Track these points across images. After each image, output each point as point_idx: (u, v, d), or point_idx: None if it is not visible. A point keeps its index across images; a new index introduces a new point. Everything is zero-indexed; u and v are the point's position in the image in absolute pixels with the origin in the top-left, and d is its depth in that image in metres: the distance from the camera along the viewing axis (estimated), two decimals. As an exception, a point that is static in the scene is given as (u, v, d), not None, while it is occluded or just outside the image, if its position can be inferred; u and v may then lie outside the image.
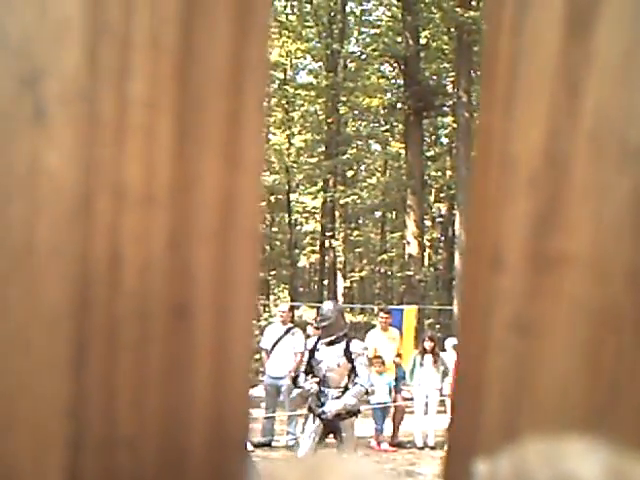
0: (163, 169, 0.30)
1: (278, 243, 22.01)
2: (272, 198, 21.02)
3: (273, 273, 21.89)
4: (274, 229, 22.00)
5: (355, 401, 5.08)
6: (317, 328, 5.29)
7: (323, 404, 5.04)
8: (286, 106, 20.37)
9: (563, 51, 0.32)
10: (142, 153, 0.30)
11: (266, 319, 13.08)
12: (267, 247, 21.60)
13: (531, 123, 0.33)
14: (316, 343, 5.22)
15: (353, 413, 5.14)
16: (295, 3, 18.86)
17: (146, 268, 0.30)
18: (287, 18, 18.83)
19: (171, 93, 0.30)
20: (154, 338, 0.30)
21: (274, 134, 21.04)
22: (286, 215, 21.21)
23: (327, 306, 5.37)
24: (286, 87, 19.84)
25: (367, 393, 5.17)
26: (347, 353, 5.12)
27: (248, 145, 0.32)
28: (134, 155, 0.30)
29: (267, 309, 16.06)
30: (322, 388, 5.10)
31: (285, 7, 18.81)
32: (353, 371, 5.12)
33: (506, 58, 0.33)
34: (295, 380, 5.27)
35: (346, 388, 5.10)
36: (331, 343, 5.13)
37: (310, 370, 5.16)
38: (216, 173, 0.31)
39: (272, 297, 20.90)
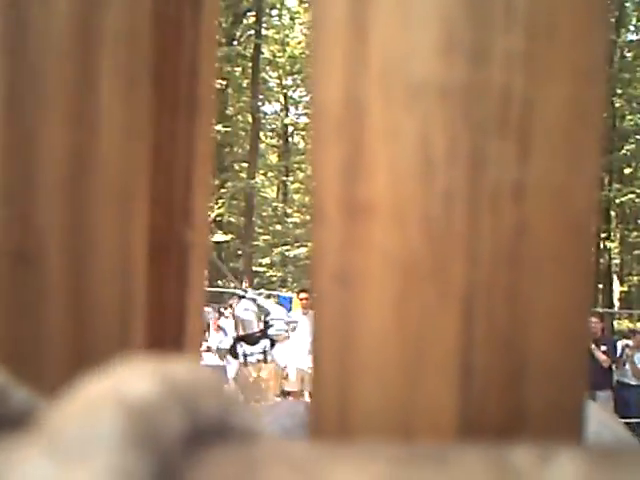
0: None
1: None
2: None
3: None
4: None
5: None
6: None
7: None
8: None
9: None
10: None
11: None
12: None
13: (330, 69, 0.32)
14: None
15: None
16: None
17: None
18: None
19: (1, 61, 0.35)
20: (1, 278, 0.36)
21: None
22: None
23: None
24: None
25: None
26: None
27: (101, 107, 0.36)
28: None
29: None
30: None
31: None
32: None
33: (311, 10, 0.33)
34: None
35: None
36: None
37: None
38: (59, 132, 0.36)
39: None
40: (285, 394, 6.10)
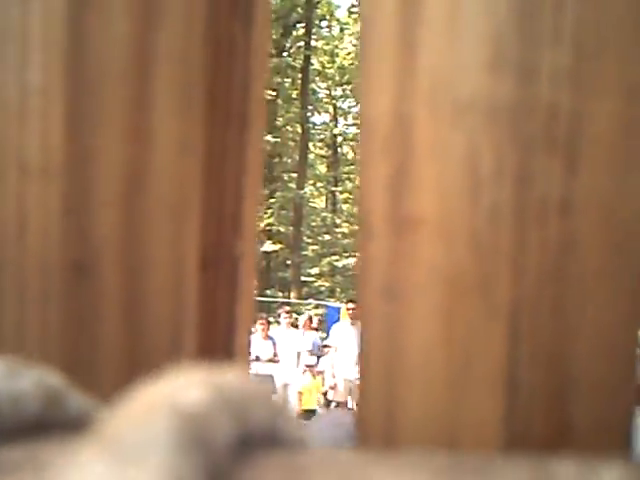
0: (57, 145, 0.37)
1: None
2: None
3: None
4: None
5: None
6: None
7: None
8: None
9: (399, 11, 0.32)
10: (39, 133, 0.37)
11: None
12: None
13: (379, 84, 0.33)
14: None
15: None
16: None
17: (46, 230, 0.37)
18: None
19: (62, 81, 0.37)
20: (55, 291, 0.37)
21: None
22: None
23: None
24: None
25: None
26: None
27: (156, 124, 0.38)
28: (33, 134, 0.37)
29: None
30: None
31: None
32: None
33: (361, 26, 0.34)
34: None
35: None
36: None
37: None
38: (116, 149, 0.37)
39: None
40: (328, 404, 6.19)
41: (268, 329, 7.28)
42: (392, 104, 0.32)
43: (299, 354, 7.11)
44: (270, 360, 6.92)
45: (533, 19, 0.29)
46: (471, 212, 0.30)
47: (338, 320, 8.37)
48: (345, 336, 6.54)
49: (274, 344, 7.05)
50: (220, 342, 0.46)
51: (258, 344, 7.03)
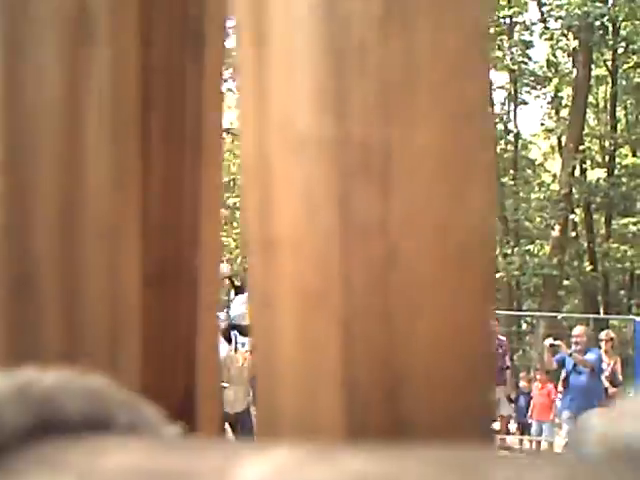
0: None
1: None
2: None
3: None
4: None
5: None
6: None
7: None
8: None
9: (255, 60, 0.37)
10: None
11: None
12: None
13: (246, 127, 0.38)
14: None
15: None
16: None
17: None
18: None
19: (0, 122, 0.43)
20: (2, 300, 0.44)
21: None
22: None
23: None
24: None
25: None
26: None
27: (86, 156, 0.44)
28: None
29: None
30: None
31: None
32: None
33: (236, 76, 0.39)
34: None
35: None
36: None
37: None
38: (51, 178, 0.43)
39: None
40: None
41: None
42: (255, 140, 0.37)
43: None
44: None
45: (341, 60, 0.33)
46: (310, 234, 0.34)
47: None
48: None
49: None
50: (182, 350, 0.51)
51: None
